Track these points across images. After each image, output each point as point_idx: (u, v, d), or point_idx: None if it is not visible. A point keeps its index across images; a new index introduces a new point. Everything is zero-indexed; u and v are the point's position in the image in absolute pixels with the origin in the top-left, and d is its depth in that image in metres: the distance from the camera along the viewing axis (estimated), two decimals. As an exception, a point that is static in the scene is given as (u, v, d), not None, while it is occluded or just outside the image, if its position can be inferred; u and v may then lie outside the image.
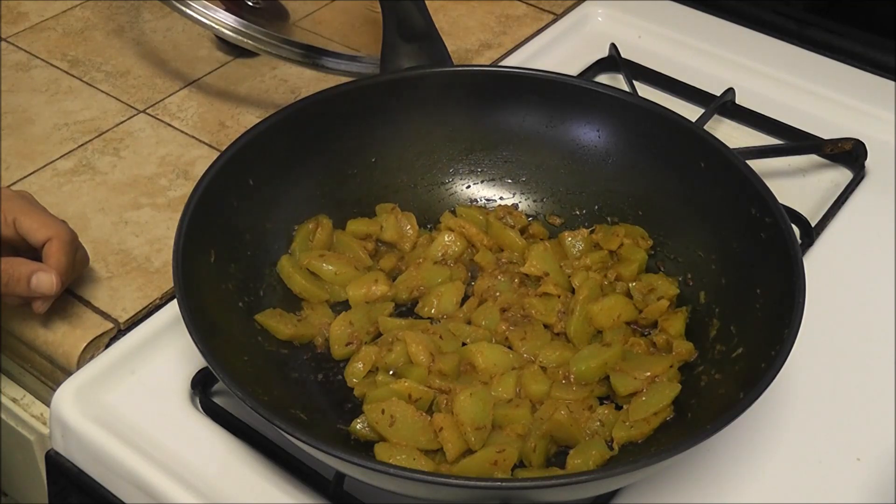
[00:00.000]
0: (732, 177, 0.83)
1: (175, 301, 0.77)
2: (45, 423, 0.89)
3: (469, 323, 0.84)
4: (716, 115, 1.07)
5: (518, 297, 0.85)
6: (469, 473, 0.72)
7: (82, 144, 1.02)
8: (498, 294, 0.86)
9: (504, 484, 0.65)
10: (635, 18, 1.20)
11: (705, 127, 1.00)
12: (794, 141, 1.05)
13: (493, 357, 0.80)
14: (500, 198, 0.94)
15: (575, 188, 0.93)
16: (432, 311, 0.85)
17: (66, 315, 0.85)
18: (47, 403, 0.84)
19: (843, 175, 1.03)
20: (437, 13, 1.17)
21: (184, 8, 1.00)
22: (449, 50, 0.96)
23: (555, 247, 0.89)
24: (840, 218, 0.97)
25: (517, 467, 0.73)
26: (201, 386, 0.80)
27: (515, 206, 0.93)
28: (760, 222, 0.80)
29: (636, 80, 1.10)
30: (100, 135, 1.03)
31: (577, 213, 0.92)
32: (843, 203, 0.98)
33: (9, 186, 0.96)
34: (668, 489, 0.75)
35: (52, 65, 1.12)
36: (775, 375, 0.69)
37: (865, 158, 1.02)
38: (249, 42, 1.01)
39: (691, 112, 1.04)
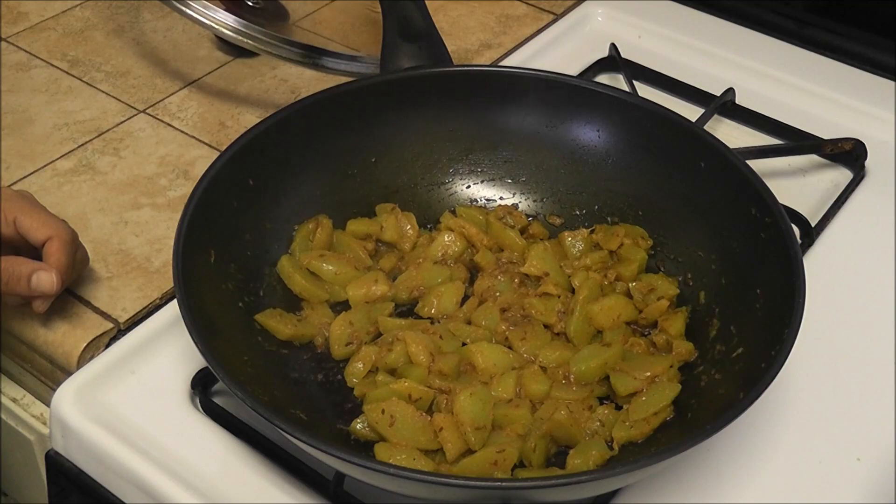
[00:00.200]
0: (732, 177, 0.83)
1: (175, 301, 0.77)
2: (45, 423, 0.89)
3: (469, 323, 0.84)
4: (716, 115, 1.07)
5: (518, 297, 0.85)
6: (469, 473, 0.72)
7: (82, 144, 1.02)
8: (498, 294, 0.86)
9: (504, 484, 0.65)
10: (635, 18, 1.20)
11: (705, 127, 1.00)
12: (794, 141, 1.05)
13: (493, 357, 0.80)
14: (500, 198, 0.94)
15: (575, 188, 0.93)
16: (432, 311, 0.85)
17: (66, 315, 0.85)
18: (47, 403, 0.84)
19: (843, 175, 1.03)
20: (437, 13, 1.17)
21: (184, 8, 1.00)
22: (449, 50, 0.96)
23: (555, 247, 0.89)
24: (840, 218, 0.97)
25: (517, 467, 0.73)
26: (201, 386, 0.80)
27: (515, 206, 0.93)
28: (760, 222, 0.80)
29: (636, 80, 1.10)
30: (100, 135, 1.03)
31: (577, 213, 0.92)
32: (843, 203, 0.98)
33: (9, 186, 0.96)
34: (668, 489, 0.75)
35: (52, 65, 1.12)
36: (775, 375, 0.69)
37: (865, 158, 1.02)
38: (249, 42, 1.01)
39: (691, 112, 1.04)
